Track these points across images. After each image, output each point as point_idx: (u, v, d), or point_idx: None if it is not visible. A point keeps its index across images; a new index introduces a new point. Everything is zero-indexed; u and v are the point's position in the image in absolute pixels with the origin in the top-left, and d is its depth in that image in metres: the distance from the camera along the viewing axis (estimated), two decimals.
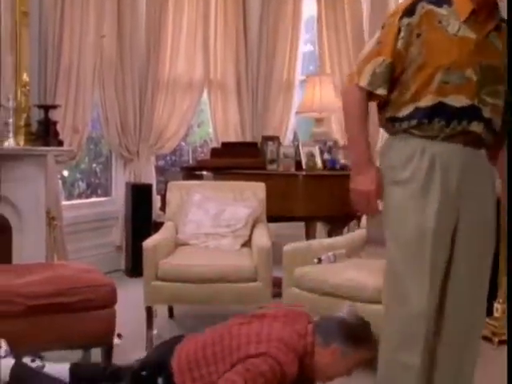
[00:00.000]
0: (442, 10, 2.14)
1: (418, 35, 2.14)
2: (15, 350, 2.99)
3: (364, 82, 2.20)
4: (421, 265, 2.17)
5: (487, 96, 2.16)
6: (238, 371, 2.27)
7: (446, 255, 2.21)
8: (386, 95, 2.22)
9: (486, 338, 3.85)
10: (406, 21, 2.15)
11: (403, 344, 2.21)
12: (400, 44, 2.15)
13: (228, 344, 2.40)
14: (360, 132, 2.24)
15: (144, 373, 2.53)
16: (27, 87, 4.38)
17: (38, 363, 2.93)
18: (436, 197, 2.16)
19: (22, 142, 4.26)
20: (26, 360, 2.94)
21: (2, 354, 2.80)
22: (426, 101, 2.15)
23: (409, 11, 2.15)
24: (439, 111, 2.14)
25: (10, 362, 2.77)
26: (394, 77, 2.19)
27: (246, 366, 2.26)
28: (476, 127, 2.17)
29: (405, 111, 2.20)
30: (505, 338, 3.82)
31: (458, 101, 2.13)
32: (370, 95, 2.23)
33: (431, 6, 2.15)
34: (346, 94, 2.32)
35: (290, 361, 2.30)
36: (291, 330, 2.40)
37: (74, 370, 2.88)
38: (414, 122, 2.19)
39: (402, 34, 2.15)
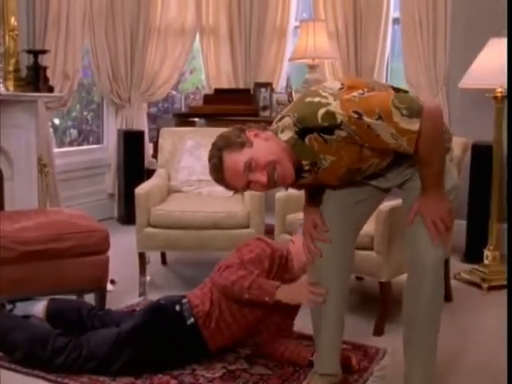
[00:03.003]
0: None
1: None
2: (8, 296, 3.02)
3: None
4: None
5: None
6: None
7: None
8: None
9: (475, 284, 3.92)
10: None
11: None
12: None
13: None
14: None
15: (162, 301, 2.73)
16: (15, 32, 4.29)
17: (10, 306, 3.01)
18: None
19: (11, 88, 4.19)
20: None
21: None
22: None
23: None
24: None
25: None
26: None
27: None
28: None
29: None
30: (494, 284, 3.88)
31: None
32: None
33: None
34: None
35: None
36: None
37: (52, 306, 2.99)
38: None
39: None
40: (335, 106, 1.96)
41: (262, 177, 2.08)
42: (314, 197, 2.39)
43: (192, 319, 2.64)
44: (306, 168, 2.13)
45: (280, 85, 6.03)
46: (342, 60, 5.48)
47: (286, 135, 2.08)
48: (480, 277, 3.93)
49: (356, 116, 1.95)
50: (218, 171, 2.12)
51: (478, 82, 3.90)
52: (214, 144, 2.15)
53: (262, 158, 2.07)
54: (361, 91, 2.02)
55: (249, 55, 6.12)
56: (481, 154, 4.27)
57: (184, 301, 2.69)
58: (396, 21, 5.33)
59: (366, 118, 1.95)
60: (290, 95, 5.14)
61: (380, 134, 1.98)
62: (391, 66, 5.66)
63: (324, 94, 2.03)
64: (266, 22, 6.03)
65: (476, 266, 4.05)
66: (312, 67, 5.37)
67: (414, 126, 1.97)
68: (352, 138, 2.01)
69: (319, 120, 1.98)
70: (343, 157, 2.07)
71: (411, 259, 2.24)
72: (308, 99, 2.04)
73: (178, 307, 2.67)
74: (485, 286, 3.86)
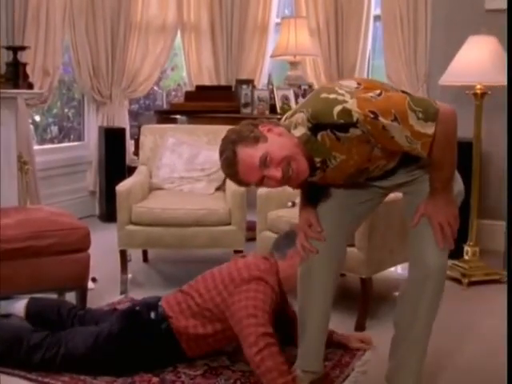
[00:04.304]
0: None
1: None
2: None
3: None
4: None
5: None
6: (241, 300, 2.49)
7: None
8: None
9: (455, 280, 3.94)
10: None
11: None
12: None
13: (213, 279, 2.64)
14: None
15: (138, 308, 2.70)
16: None
17: None
18: None
19: None
20: None
21: None
22: None
23: None
24: None
25: None
26: None
27: (246, 294, 2.50)
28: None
29: None
30: (474, 279, 3.91)
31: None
32: None
33: None
34: None
35: (273, 281, 2.62)
36: (261, 261, 2.71)
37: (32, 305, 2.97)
38: None
39: None
40: (351, 104, 1.95)
41: (276, 172, 2.05)
42: (311, 197, 2.38)
43: (166, 325, 2.60)
44: (318, 165, 2.12)
45: (261, 82, 6.05)
46: (324, 57, 5.50)
47: (299, 131, 2.07)
48: (460, 272, 3.96)
49: (372, 116, 1.94)
50: (232, 166, 2.07)
51: (458, 79, 3.93)
52: (225, 138, 2.10)
53: (278, 152, 2.04)
54: (378, 91, 2.01)
55: (230, 52, 6.12)
56: (461, 151, 4.25)
57: (160, 303, 2.66)
58: (377, 18, 5.36)
59: (381, 119, 1.94)
60: (272, 92, 5.14)
61: (394, 136, 1.97)
62: (372, 63, 5.68)
63: (340, 91, 2.00)
64: (248, 18, 6.03)
65: (456, 262, 4.08)
66: (293, 64, 5.38)
67: (430, 129, 1.95)
68: (366, 137, 2.00)
69: (335, 117, 1.96)
70: (353, 156, 2.07)
71: (414, 260, 2.25)
72: (323, 95, 2.02)
73: (153, 314, 2.63)
74: (465, 281, 3.88)
